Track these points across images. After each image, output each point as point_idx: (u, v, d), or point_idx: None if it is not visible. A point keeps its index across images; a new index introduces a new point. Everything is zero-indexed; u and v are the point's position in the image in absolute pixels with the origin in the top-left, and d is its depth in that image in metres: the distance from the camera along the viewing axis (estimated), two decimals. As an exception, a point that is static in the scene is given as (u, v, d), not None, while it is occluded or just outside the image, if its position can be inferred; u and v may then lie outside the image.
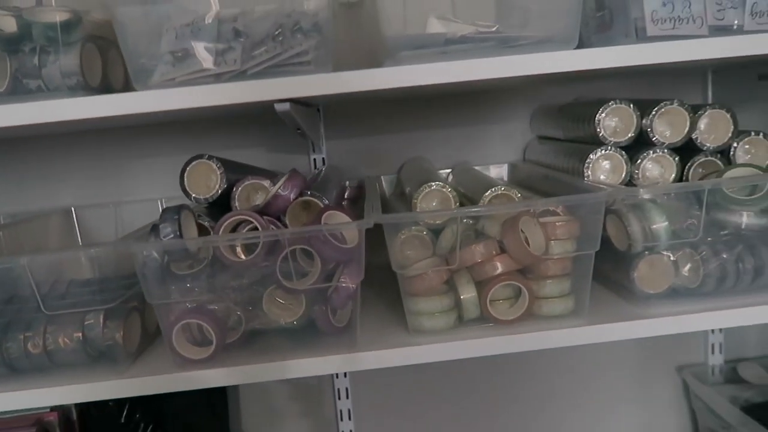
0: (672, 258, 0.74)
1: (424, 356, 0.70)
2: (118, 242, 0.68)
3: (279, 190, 0.71)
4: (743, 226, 0.73)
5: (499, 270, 0.71)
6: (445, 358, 0.70)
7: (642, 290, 0.76)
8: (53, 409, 0.97)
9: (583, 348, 1.14)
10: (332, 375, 1.11)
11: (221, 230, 0.68)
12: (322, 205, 0.72)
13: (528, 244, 0.71)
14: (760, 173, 0.75)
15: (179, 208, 0.67)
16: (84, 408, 0.99)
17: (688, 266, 0.75)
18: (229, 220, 0.68)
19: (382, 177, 1.09)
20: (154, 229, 0.67)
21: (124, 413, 1.00)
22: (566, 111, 0.96)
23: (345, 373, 1.09)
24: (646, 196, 0.74)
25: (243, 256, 0.67)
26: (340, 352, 0.70)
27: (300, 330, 0.72)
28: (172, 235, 0.65)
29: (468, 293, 0.73)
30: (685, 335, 1.16)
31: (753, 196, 0.73)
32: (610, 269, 0.82)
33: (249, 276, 0.69)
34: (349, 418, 1.10)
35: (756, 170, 0.76)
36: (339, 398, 1.11)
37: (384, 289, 0.87)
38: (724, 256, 0.74)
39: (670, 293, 0.75)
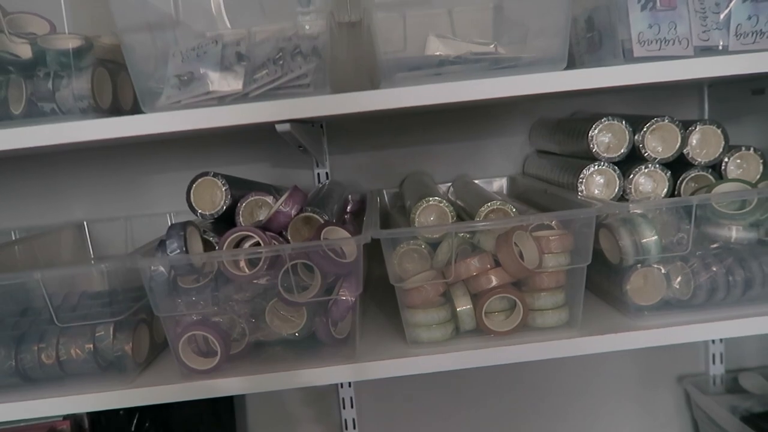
0: (663, 271, 0.76)
1: (422, 367, 0.72)
2: (126, 257, 0.71)
3: (281, 207, 0.74)
4: (732, 240, 0.75)
5: (494, 283, 0.73)
6: (441, 368, 0.72)
7: (634, 302, 0.77)
8: (65, 417, 1.00)
9: (585, 358, 1.16)
10: (337, 384, 1.13)
11: (225, 245, 0.71)
12: (322, 221, 0.75)
13: (522, 258, 0.73)
14: (748, 188, 0.77)
15: (185, 225, 0.71)
16: (95, 416, 1.02)
17: (679, 279, 0.76)
18: (232, 235, 0.71)
19: (384, 190, 1.12)
20: (161, 244, 0.70)
21: (134, 421, 1.03)
22: (563, 126, 0.98)
23: (350, 383, 1.11)
24: (636, 211, 0.76)
25: (246, 271, 0.70)
26: (340, 362, 0.72)
27: (301, 341, 0.75)
28: (178, 251, 0.68)
29: (464, 305, 0.75)
30: (685, 345, 1.17)
31: (742, 211, 0.75)
32: (603, 281, 0.84)
33: (252, 289, 0.72)
34: (354, 427, 1.13)
35: (745, 185, 0.78)
36: (344, 407, 1.14)
37: (384, 300, 0.89)
38: (714, 269, 0.76)
39: (662, 305, 0.77)
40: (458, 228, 0.73)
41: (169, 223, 0.86)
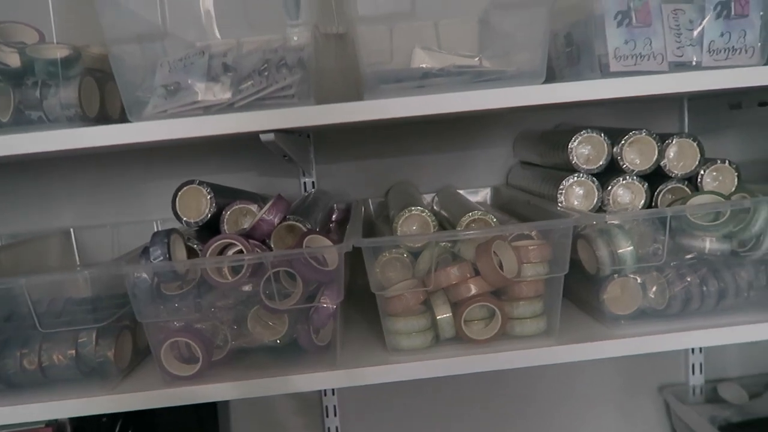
0: (639, 281, 0.78)
1: (401, 374, 0.73)
2: (110, 264, 0.72)
3: (264, 215, 0.75)
4: (706, 251, 0.77)
5: (473, 291, 0.75)
6: (421, 376, 0.73)
7: (611, 312, 0.79)
8: (48, 423, 1.00)
9: (565, 368, 1.17)
10: (321, 393, 1.13)
11: (208, 253, 0.72)
12: (305, 229, 0.76)
13: (501, 268, 0.75)
14: (722, 200, 0.79)
15: (169, 232, 0.72)
16: (78, 423, 1.02)
17: (654, 289, 0.78)
18: (216, 243, 0.72)
19: (369, 200, 1.13)
20: (145, 251, 0.71)
21: (117, 428, 1.03)
22: (545, 138, 1.00)
23: (333, 392, 1.12)
24: (613, 222, 0.77)
25: (229, 278, 0.71)
26: (321, 369, 0.73)
27: (283, 348, 0.76)
28: (161, 258, 0.69)
29: (443, 314, 0.76)
30: (665, 356, 1.19)
31: (715, 222, 0.77)
32: (581, 291, 0.86)
33: (235, 296, 0.73)
34: (336, 415, 1.13)
35: (719, 197, 0.80)
36: (327, 416, 1.14)
37: (366, 309, 0.90)
38: (689, 279, 0.77)
39: (639, 314, 0.79)
40: (439, 237, 0.75)
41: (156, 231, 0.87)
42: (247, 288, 0.72)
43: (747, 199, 0.77)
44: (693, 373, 1.18)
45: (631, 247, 0.76)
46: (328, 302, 0.72)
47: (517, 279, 0.75)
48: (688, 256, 0.79)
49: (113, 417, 1.03)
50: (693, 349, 1.17)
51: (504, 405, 1.19)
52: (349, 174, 1.15)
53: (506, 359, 0.74)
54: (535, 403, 1.19)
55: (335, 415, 1.13)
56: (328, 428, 1.14)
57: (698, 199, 0.80)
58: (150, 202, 1.12)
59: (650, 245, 0.77)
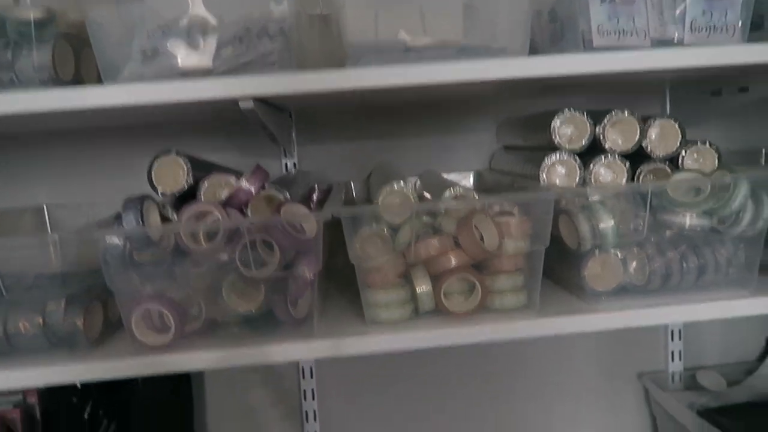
0: (620, 257, 0.78)
1: (380, 345, 0.72)
2: (80, 230, 0.69)
3: (242, 184, 0.74)
4: (687, 227, 0.77)
5: (453, 263, 0.74)
6: (400, 347, 0.72)
7: (592, 288, 0.79)
8: (15, 406, 0.97)
9: (545, 352, 1.17)
10: (299, 375, 1.12)
11: (183, 219, 0.70)
12: (283, 199, 0.75)
13: (482, 241, 0.74)
14: (702, 177, 0.79)
15: (142, 198, 0.70)
16: (47, 405, 0.99)
17: (635, 265, 0.78)
18: (191, 209, 0.70)
19: (351, 182, 1.12)
20: (117, 218, 0.69)
21: (87, 410, 1.00)
22: (528, 121, 1.00)
23: (312, 373, 1.10)
24: (594, 198, 0.77)
25: (204, 244, 0.69)
26: (298, 340, 0.71)
27: (259, 320, 0.74)
28: (134, 223, 0.67)
29: (423, 286, 0.75)
30: (645, 342, 1.19)
31: (696, 199, 0.77)
32: (562, 270, 0.85)
33: (210, 265, 0.71)
34: (315, 419, 1.11)
35: (700, 174, 0.80)
36: (305, 399, 1.12)
37: (345, 289, 0.89)
38: (669, 255, 0.77)
39: (619, 291, 0.78)
40: (420, 207, 0.74)
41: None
42: (222, 256, 0.70)
43: (727, 175, 0.77)
44: (672, 360, 1.18)
45: (612, 223, 0.75)
46: (306, 271, 0.71)
47: (498, 252, 0.75)
48: (669, 233, 0.78)
49: (83, 399, 1.00)
50: (672, 336, 1.18)
51: (483, 390, 1.18)
52: (331, 156, 1.14)
53: (486, 331, 0.73)
54: (515, 388, 1.18)
55: (313, 398, 1.11)
56: (306, 412, 1.12)
57: (679, 176, 0.80)
58: (126, 180, 1.09)
59: (631, 221, 0.77)
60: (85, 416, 1.00)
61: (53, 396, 1.00)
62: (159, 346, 0.70)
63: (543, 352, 1.17)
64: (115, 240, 0.68)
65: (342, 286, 0.90)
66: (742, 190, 0.74)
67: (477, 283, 0.74)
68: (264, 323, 0.74)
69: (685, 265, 0.77)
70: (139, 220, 0.68)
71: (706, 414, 1.02)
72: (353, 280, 0.75)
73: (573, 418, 1.19)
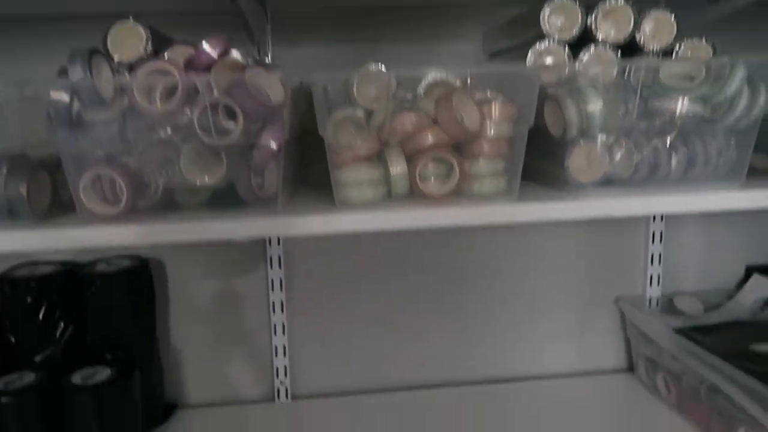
0: (606, 144, 0.74)
1: (350, 224, 0.67)
2: (20, 80, 0.63)
3: (203, 47, 0.68)
4: (678, 113, 0.73)
5: (430, 141, 0.69)
6: (370, 227, 0.67)
7: (576, 179, 0.75)
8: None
9: (523, 271, 1.14)
10: (266, 260, 1.06)
11: (138, 76, 0.64)
12: (248, 64, 0.69)
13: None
14: (697, 61, 0.75)
15: (91, 51, 0.63)
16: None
17: (621, 154, 0.74)
18: (146, 66, 0.64)
19: (328, 87, 1.06)
20: (63, 71, 0.62)
21: (42, 311, 0.95)
22: (515, 19, 0.95)
23: (280, 264, 1.05)
24: (584, 79, 0.73)
25: (160, 105, 0.63)
26: (261, 216, 0.67)
27: (221, 198, 0.69)
28: (81, 75, 0.61)
29: (398, 167, 0.70)
30: (624, 267, 1.17)
31: (690, 84, 0.73)
32: (544, 165, 0.81)
33: (166, 129, 0.65)
34: (282, 310, 1.07)
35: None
36: (272, 289, 1.07)
37: (316, 186, 0.84)
38: (658, 144, 0.73)
39: (604, 182, 0.75)
40: (397, 74, 0.69)
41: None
42: (180, 119, 0.64)
43: (725, 58, 0.73)
44: (650, 284, 1.16)
45: (601, 105, 0.71)
46: (271, 141, 0.65)
47: (478, 134, 0.70)
48: (659, 122, 0.74)
49: (38, 299, 0.95)
50: (652, 260, 1.16)
51: (457, 301, 1.14)
52: (307, 59, 1.07)
53: (462, 215, 0.68)
54: (489, 305, 1.14)
55: (281, 289, 1.06)
56: (274, 325, 1.08)
57: (672, 62, 0.76)
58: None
59: (620, 106, 0.73)
60: (40, 318, 0.95)
61: (5, 295, 0.95)
62: (110, 216, 0.65)
63: (521, 269, 1.14)
64: (61, 95, 0.62)
65: (312, 186, 0.85)
66: (739, 74, 0.70)
67: (455, 164, 0.70)
68: (226, 203, 0.69)
69: (674, 155, 0.73)
70: (88, 72, 0.61)
71: (682, 331, 1.01)
72: (323, 176, 0.70)
73: (546, 338, 1.16)
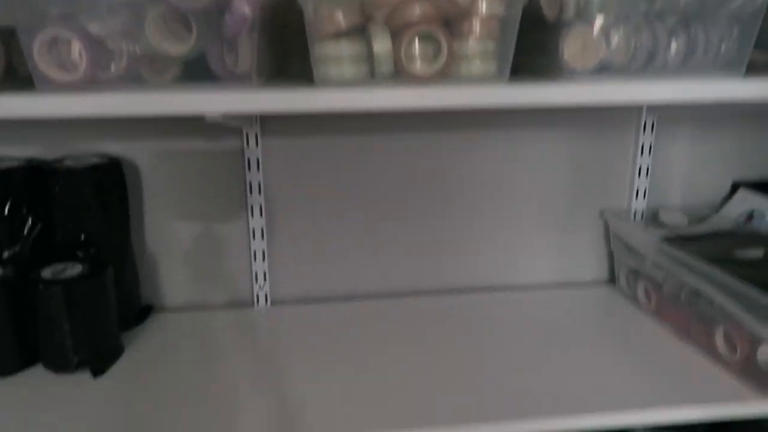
0: (603, 27, 0.69)
1: (330, 103, 0.63)
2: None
3: None
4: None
5: (417, 14, 0.64)
6: (352, 106, 0.63)
7: (570, 66, 0.70)
8: None
9: (505, 185, 1.11)
10: (242, 138, 1.02)
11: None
12: None
13: None
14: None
15: None
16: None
17: (618, 38, 0.70)
18: None
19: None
20: None
21: (7, 206, 0.91)
22: None
23: (257, 141, 1.00)
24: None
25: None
26: (237, 90, 0.62)
27: (191, 73, 0.64)
28: None
29: (382, 44, 0.66)
30: (610, 180, 1.14)
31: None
32: (537, 55, 0.77)
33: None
34: (260, 191, 1.04)
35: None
36: (249, 169, 1.03)
37: (294, 72, 0.79)
38: (657, 29, 0.69)
39: (600, 70, 0.71)
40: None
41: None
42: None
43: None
44: (636, 197, 1.15)
45: (601, -19, 0.66)
46: (244, 7, 0.60)
47: (469, 11, 0.65)
48: (660, 3, 0.70)
49: (2, 192, 0.90)
50: (639, 173, 1.14)
51: (440, 212, 1.11)
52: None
53: (449, 96, 0.65)
54: (472, 208, 1.12)
55: (258, 169, 1.02)
56: (253, 229, 1.05)
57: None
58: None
59: (621, -14, 0.68)
60: (5, 212, 0.91)
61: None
62: (68, 83, 0.60)
63: (502, 177, 1.11)
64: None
65: (292, 75, 0.80)
66: (750, -50, 0.66)
67: (443, 42, 0.65)
68: (198, 81, 0.65)
69: (673, 41, 0.69)
70: None
71: (667, 239, 1.00)
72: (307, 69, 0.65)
73: (525, 248, 1.15)
